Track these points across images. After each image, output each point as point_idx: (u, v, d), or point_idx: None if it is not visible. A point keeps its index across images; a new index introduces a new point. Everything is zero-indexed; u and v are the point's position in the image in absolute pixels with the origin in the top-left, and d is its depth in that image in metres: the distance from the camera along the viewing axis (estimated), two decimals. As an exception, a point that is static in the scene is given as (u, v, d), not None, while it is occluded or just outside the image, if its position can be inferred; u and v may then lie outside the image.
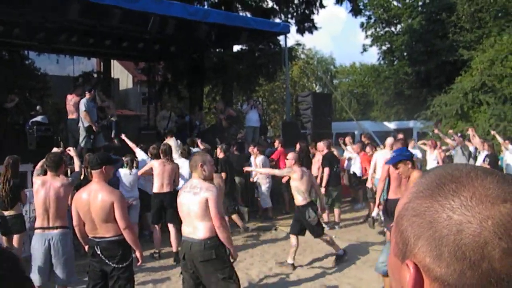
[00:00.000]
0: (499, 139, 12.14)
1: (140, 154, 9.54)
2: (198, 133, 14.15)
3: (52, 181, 5.51)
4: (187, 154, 9.62)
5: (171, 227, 8.36)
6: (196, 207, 4.55)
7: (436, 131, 13.60)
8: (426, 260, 0.74)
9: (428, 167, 12.37)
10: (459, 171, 0.79)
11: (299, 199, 7.55)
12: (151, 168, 8.65)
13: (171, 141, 10.31)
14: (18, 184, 6.92)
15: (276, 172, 8.96)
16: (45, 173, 5.80)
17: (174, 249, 8.25)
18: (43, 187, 5.46)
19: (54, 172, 5.58)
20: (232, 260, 4.82)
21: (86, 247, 4.99)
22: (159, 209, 8.47)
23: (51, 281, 5.54)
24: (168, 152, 8.63)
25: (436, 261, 0.73)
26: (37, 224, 5.49)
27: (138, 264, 5.05)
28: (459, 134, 13.00)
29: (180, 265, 5.07)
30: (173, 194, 8.25)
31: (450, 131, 13.72)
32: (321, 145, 11.19)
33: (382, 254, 5.77)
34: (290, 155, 7.88)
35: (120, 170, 8.83)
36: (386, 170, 7.40)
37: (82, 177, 7.56)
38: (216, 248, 4.58)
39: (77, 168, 6.23)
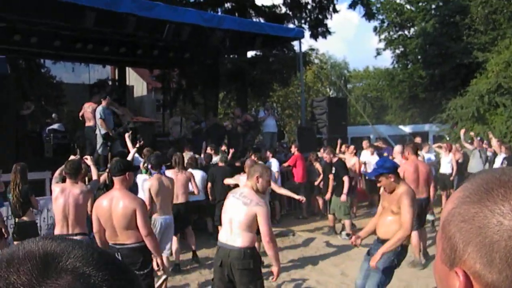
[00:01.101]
0: None
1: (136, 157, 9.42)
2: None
3: (71, 188, 5.53)
4: (195, 165, 9.80)
5: (188, 229, 8.52)
6: (243, 217, 4.47)
7: (462, 131, 13.42)
8: (476, 267, 0.73)
9: (442, 170, 12.31)
10: (507, 175, 0.78)
11: None
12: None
13: (187, 155, 10.44)
14: (27, 190, 6.90)
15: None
16: (63, 180, 5.84)
17: (193, 247, 8.54)
18: (62, 194, 5.48)
19: (74, 179, 5.61)
20: (273, 279, 4.77)
21: (107, 254, 4.99)
22: (176, 220, 8.02)
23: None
24: (180, 162, 8.51)
25: (487, 267, 0.72)
26: (57, 231, 5.52)
27: (159, 270, 5.06)
28: (478, 138, 12.90)
29: (210, 269, 5.04)
30: (188, 204, 8.40)
31: (462, 131, 13.53)
32: (325, 154, 11.18)
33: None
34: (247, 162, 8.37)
35: (139, 176, 8.77)
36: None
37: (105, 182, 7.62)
38: (254, 258, 4.55)
39: (94, 177, 6.27)
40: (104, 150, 11.01)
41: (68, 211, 5.44)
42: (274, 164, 11.39)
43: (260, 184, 4.58)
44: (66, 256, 0.65)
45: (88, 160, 6.50)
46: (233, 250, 4.50)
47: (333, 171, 10.45)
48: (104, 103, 11.24)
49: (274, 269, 4.68)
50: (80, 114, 12.24)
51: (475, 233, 0.74)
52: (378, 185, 5.34)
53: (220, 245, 4.66)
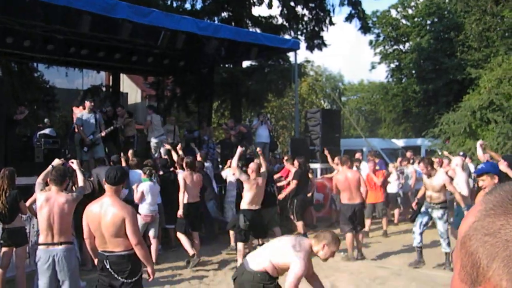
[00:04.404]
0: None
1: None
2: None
3: (56, 196, 5.40)
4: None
5: (195, 234, 8.96)
6: (280, 262, 4.47)
7: (445, 153, 13.54)
8: (503, 284, 0.67)
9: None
10: None
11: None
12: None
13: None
14: (16, 195, 6.74)
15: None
16: (46, 184, 5.73)
17: (193, 251, 8.61)
18: (47, 203, 5.34)
19: (59, 186, 5.49)
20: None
21: (96, 261, 4.92)
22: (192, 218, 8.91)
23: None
24: (191, 165, 9.06)
25: None
26: (41, 240, 5.39)
27: (150, 280, 4.97)
28: (461, 153, 12.92)
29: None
30: (200, 204, 9.22)
31: (446, 153, 13.69)
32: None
33: None
34: (252, 165, 8.64)
35: (144, 182, 8.94)
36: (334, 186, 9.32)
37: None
38: (265, 285, 4.48)
39: (80, 183, 6.02)
40: (83, 155, 11.06)
41: (53, 220, 5.31)
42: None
43: (323, 253, 4.54)
44: None
45: (74, 164, 6.26)
46: (247, 271, 4.55)
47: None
48: (86, 107, 11.37)
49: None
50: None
51: (502, 247, 0.69)
52: (480, 183, 5.75)
53: (242, 262, 4.78)
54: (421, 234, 8.51)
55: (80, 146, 11.19)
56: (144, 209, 8.81)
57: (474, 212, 0.77)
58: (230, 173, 10.87)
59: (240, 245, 8.51)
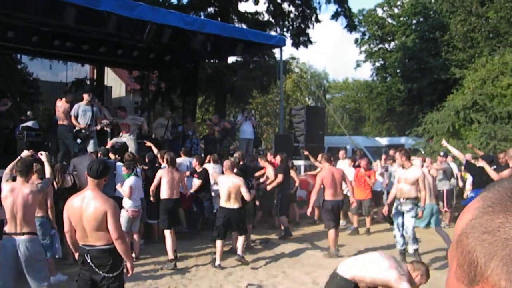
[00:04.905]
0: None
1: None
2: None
3: (21, 187, 5.43)
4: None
5: (170, 232, 8.64)
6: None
7: (443, 143, 13.48)
8: (502, 284, 0.66)
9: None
10: None
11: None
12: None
13: (182, 160, 11.00)
14: None
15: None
16: (14, 179, 5.73)
17: (172, 256, 8.45)
18: (11, 193, 5.38)
19: (25, 177, 5.52)
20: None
21: (76, 255, 4.89)
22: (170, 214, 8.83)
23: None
24: (171, 162, 8.97)
25: None
26: (7, 229, 5.41)
27: (129, 275, 4.95)
28: (441, 153, 13.03)
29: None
30: (179, 200, 9.12)
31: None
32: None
33: None
34: (226, 163, 8.68)
35: (131, 177, 8.88)
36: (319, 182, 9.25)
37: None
38: None
39: (47, 175, 6.03)
40: (77, 147, 10.84)
41: (17, 211, 5.34)
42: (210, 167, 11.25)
43: (417, 280, 4.50)
44: None
45: (43, 156, 6.18)
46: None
47: None
48: (84, 99, 11.09)
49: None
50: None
51: (501, 245, 0.67)
52: None
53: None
54: (402, 236, 8.50)
55: (73, 138, 10.90)
56: (130, 204, 8.74)
57: (471, 209, 0.75)
58: (210, 166, 10.89)
59: (218, 242, 8.50)
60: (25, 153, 6.21)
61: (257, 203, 10.62)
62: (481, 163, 7.70)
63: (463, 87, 18.88)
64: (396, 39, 32.26)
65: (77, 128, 10.89)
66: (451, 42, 27.74)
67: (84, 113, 11.05)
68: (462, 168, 12.26)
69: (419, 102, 28.08)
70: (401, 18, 32.20)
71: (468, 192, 11.15)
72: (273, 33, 20.19)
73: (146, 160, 10.52)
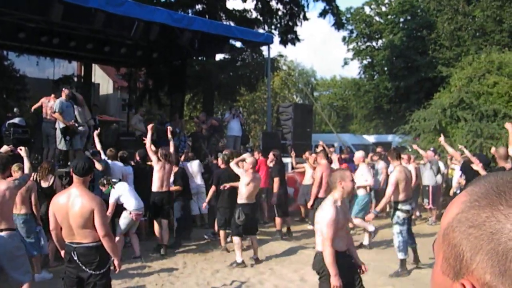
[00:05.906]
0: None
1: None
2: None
3: None
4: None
5: (165, 222, 9.19)
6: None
7: (415, 147, 13.65)
8: (487, 278, 0.67)
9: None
10: None
11: None
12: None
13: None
14: None
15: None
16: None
17: (165, 241, 9.07)
18: None
19: (1, 174, 5.48)
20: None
21: (62, 252, 4.88)
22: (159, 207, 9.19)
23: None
24: (165, 156, 9.23)
25: (499, 278, 0.66)
26: None
27: (116, 272, 4.95)
28: (431, 149, 13.12)
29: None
30: (170, 193, 9.45)
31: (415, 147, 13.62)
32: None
33: None
34: (250, 160, 8.68)
35: (118, 184, 8.47)
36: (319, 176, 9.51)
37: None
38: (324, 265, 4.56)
39: (26, 170, 5.99)
40: (64, 145, 10.71)
41: None
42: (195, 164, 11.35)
43: (345, 188, 4.64)
44: None
45: (22, 151, 6.07)
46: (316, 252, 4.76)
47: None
48: (63, 95, 10.89)
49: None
50: (34, 107, 11.97)
51: (486, 239, 0.68)
52: None
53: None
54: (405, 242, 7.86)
55: (63, 135, 10.63)
56: (133, 205, 8.35)
57: (457, 203, 0.75)
58: (188, 164, 11.02)
59: (237, 238, 8.43)
60: (5, 148, 6.14)
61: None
62: (476, 167, 7.57)
63: (450, 85, 18.96)
64: (383, 37, 32.40)
65: (63, 125, 10.72)
66: (438, 41, 27.92)
67: (68, 109, 10.88)
68: (449, 166, 12.37)
69: (406, 100, 28.21)
70: (389, 16, 32.33)
71: (454, 189, 11.26)
72: (261, 30, 20.18)
73: (138, 157, 10.44)
